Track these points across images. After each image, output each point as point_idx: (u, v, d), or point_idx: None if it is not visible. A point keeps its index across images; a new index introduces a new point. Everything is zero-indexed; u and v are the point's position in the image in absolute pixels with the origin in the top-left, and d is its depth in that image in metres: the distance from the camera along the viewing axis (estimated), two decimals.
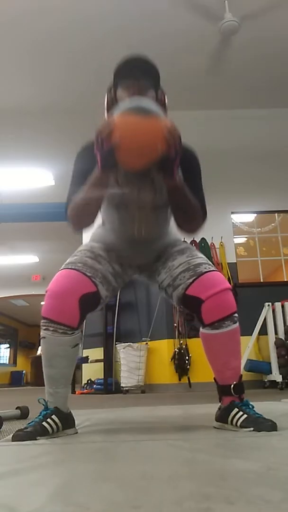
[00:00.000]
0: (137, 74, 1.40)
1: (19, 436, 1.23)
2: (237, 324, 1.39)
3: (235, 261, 5.14)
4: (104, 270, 1.44)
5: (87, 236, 1.64)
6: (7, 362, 16.86)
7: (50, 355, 1.37)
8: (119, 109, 1.25)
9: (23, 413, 2.09)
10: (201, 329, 1.41)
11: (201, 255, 1.50)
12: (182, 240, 1.60)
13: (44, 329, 1.36)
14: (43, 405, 1.37)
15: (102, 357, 5.33)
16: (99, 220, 1.53)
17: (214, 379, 1.42)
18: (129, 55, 1.43)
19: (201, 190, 1.48)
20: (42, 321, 1.36)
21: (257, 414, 1.30)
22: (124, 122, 1.20)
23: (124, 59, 1.42)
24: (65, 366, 1.38)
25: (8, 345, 17.19)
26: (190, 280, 1.38)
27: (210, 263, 1.47)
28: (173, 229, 1.57)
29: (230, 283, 4.90)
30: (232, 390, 1.35)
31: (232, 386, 1.36)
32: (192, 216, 1.44)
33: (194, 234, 1.55)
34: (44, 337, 1.36)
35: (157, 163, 1.24)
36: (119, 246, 1.51)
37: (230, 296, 1.38)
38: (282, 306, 4.54)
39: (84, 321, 1.41)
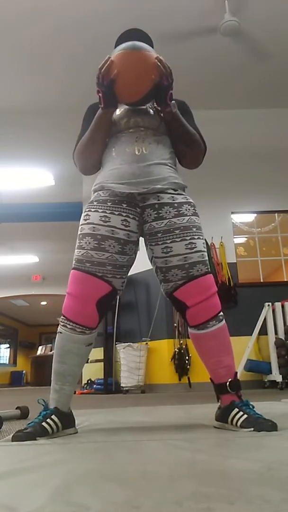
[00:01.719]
0: (135, 39, 1.51)
1: (19, 437, 1.23)
2: (223, 322, 1.42)
3: (235, 261, 5.14)
4: (111, 255, 1.41)
5: None
6: (7, 362, 16.85)
7: (63, 351, 1.40)
8: (116, 50, 1.44)
9: (23, 413, 2.09)
10: (189, 330, 1.46)
11: (200, 243, 1.45)
12: (189, 199, 1.51)
13: (62, 325, 1.41)
14: (43, 405, 1.37)
15: (102, 357, 5.33)
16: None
17: (210, 379, 1.43)
18: (126, 30, 1.60)
19: (197, 128, 1.60)
20: (62, 318, 1.41)
21: (257, 414, 1.30)
22: (120, 57, 1.39)
23: (122, 33, 1.59)
24: (76, 364, 1.41)
25: (8, 345, 17.18)
26: (180, 282, 1.41)
27: (206, 258, 1.45)
28: (177, 173, 1.56)
29: (230, 283, 4.91)
30: (228, 387, 1.36)
31: (227, 383, 1.36)
32: (193, 144, 1.55)
33: (196, 165, 1.63)
34: (60, 332, 1.41)
35: (152, 92, 1.41)
36: (119, 174, 1.46)
37: (215, 300, 1.42)
38: (282, 306, 4.54)
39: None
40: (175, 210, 1.45)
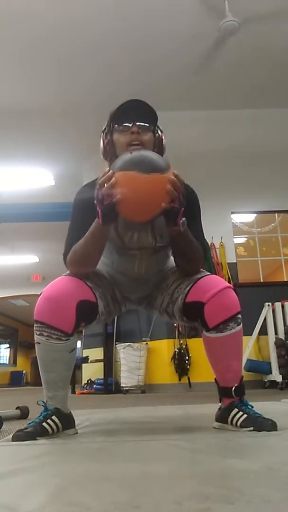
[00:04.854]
0: (134, 116, 1.37)
1: (19, 437, 1.22)
2: (241, 325, 1.35)
3: (235, 261, 5.15)
4: (105, 290, 1.43)
5: None
6: (7, 362, 16.86)
7: (47, 361, 1.34)
8: (120, 163, 1.21)
9: (23, 413, 2.09)
10: (204, 333, 1.37)
11: None
12: None
13: (38, 334, 1.31)
14: (43, 406, 1.37)
15: (102, 357, 5.33)
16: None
17: (215, 379, 1.42)
18: (125, 101, 1.39)
19: (201, 232, 1.46)
20: (36, 325, 1.31)
21: (257, 414, 1.30)
22: (125, 178, 1.17)
23: (120, 104, 1.39)
24: (64, 370, 1.36)
25: (8, 345, 17.19)
26: (188, 289, 1.36)
27: (204, 271, 1.44)
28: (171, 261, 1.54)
29: (230, 283, 4.90)
30: (233, 393, 1.35)
31: (233, 388, 1.35)
32: (193, 259, 1.41)
33: (193, 275, 1.46)
34: (38, 343, 1.33)
35: (160, 215, 1.23)
36: (119, 280, 1.50)
37: (233, 294, 1.34)
38: (282, 306, 4.54)
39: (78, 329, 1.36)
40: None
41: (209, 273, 1.41)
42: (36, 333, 1.32)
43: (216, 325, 1.31)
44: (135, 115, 1.38)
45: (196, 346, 4.20)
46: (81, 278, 1.36)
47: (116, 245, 1.43)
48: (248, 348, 4.34)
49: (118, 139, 1.39)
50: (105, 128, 1.44)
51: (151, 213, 1.22)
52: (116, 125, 1.40)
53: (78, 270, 1.39)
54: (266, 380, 4.36)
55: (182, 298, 1.37)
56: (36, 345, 1.34)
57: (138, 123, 1.37)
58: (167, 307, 1.44)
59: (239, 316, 1.34)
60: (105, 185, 1.17)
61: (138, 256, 1.42)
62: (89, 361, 5.66)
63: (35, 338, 1.33)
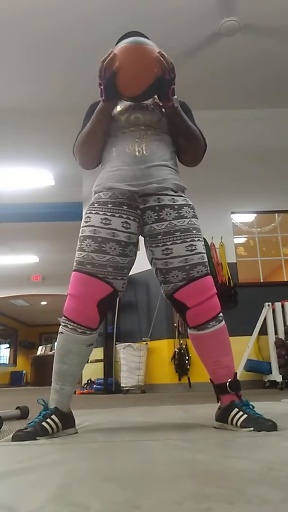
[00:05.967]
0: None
1: (19, 437, 1.23)
2: (223, 323, 1.43)
3: (235, 261, 5.14)
4: (112, 257, 1.42)
5: None
6: (7, 362, 16.84)
7: (64, 351, 1.41)
8: (118, 45, 1.45)
9: (23, 413, 2.09)
10: (188, 330, 1.47)
11: (200, 245, 1.46)
12: (188, 202, 1.51)
13: (63, 325, 1.42)
14: (43, 405, 1.37)
15: (102, 357, 5.33)
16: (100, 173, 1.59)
17: (210, 379, 1.44)
18: (125, 33, 1.61)
19: (198, 126, 1.61)
20: (63, 318, 1.42)
21: (257, 414, 1.30)
22: (122, 50, 1.41)
23: (122, 36, 1.60)
24: (76, 364, 1.42)
25: (8, 345, 17.18)
26: (180, 284, 1.42)
27: (206, 260, 1.46)
28: (178, 175, 1.56)
29: (230, 283, 4.91)
30: (228, 388, 1.36)
31: (227, 383, 1.37)
32: (194, 139, 1.56)
33: (196, 162, 1.64)
34: (62, 333, 1.42)
35: (154, 86, 1.42)
36: (120, 177, 1.47)
37: (215, 301, 1.43)
38: (282, 306, 4.54)
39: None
40: (175, 212, 1.46)
41: (206, 272, 1.44)
42: (61, 324, 1.42)
43: (195, 325, 1.42)
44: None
45: None
46: (91, 273, 1.41)
47: (115, 126, 1.55)
48: (248, 348, 4.34)
49: None
50: None
51: (146, 79, 1.41)
52: None
53: (84, 152, 1.58)
54: (266, 380, 4.36)
55: (173, 289, 1.44)
56: (58, 335, 1.43)
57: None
58: (157, 270, 1.48)
59: (220, 315, 1.43)
60: (106, 59, 1.40)
61: (137, 134, 1.51)
62: (89, 361, 5.66)
63: (59, 329, 1.42)
